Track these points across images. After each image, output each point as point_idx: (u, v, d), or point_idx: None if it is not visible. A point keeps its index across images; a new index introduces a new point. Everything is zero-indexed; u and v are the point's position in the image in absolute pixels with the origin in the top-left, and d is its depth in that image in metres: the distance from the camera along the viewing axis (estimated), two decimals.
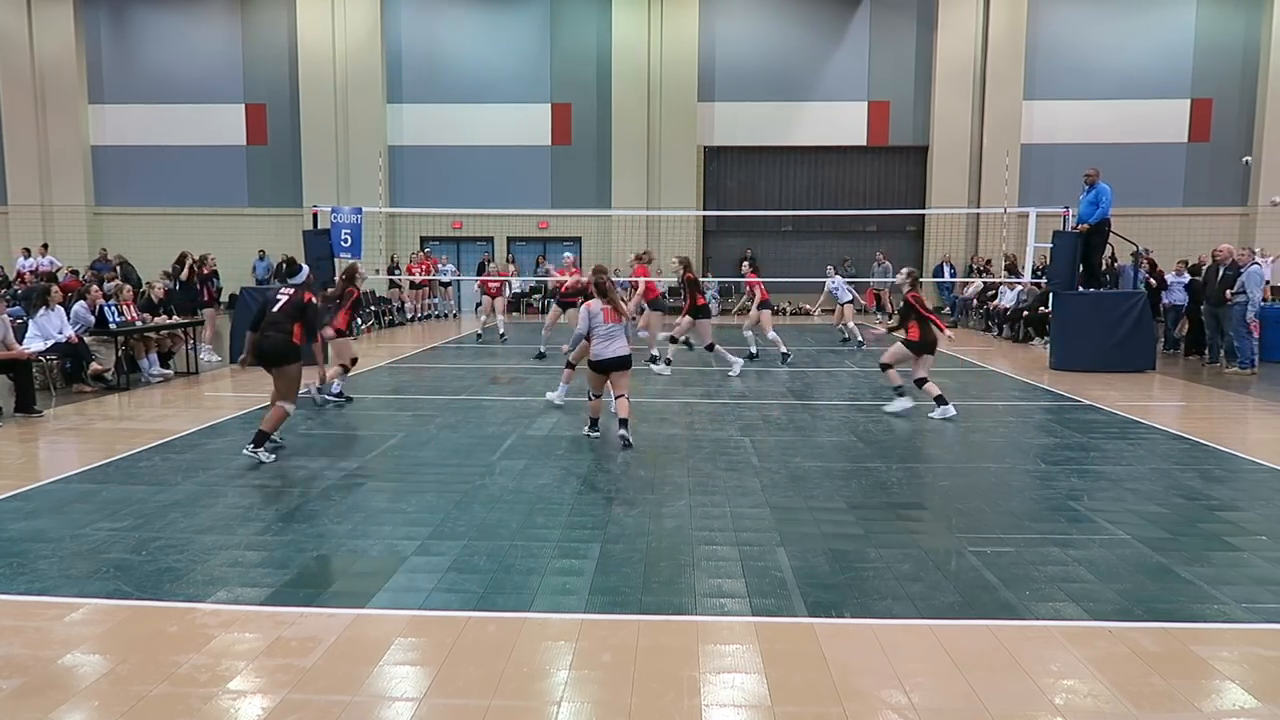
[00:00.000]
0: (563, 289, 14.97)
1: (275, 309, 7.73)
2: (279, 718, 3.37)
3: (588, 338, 8.31)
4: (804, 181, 26.51)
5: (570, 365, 10.06)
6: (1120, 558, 5.15)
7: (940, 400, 9.46)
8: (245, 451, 7.47)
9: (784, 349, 14.18)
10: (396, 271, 22.65)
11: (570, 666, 3.79)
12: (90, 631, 4.14)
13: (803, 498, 6.41)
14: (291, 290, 7.91)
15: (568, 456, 7.70)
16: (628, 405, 8.25)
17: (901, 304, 9.79)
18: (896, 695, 3.54)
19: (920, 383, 9.61)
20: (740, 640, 4.05)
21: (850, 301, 17.37)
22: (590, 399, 8.55)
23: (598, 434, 8.49)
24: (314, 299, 7.97)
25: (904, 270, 10.03)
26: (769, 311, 14.51)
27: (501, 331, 17.64)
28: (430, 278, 22.68)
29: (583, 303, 9.23)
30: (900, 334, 9.85)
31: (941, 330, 9.70)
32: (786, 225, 25.88)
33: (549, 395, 10.33)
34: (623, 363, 8.22)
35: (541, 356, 14.40)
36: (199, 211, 26.61)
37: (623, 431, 8.09)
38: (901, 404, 9.75)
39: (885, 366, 9.90)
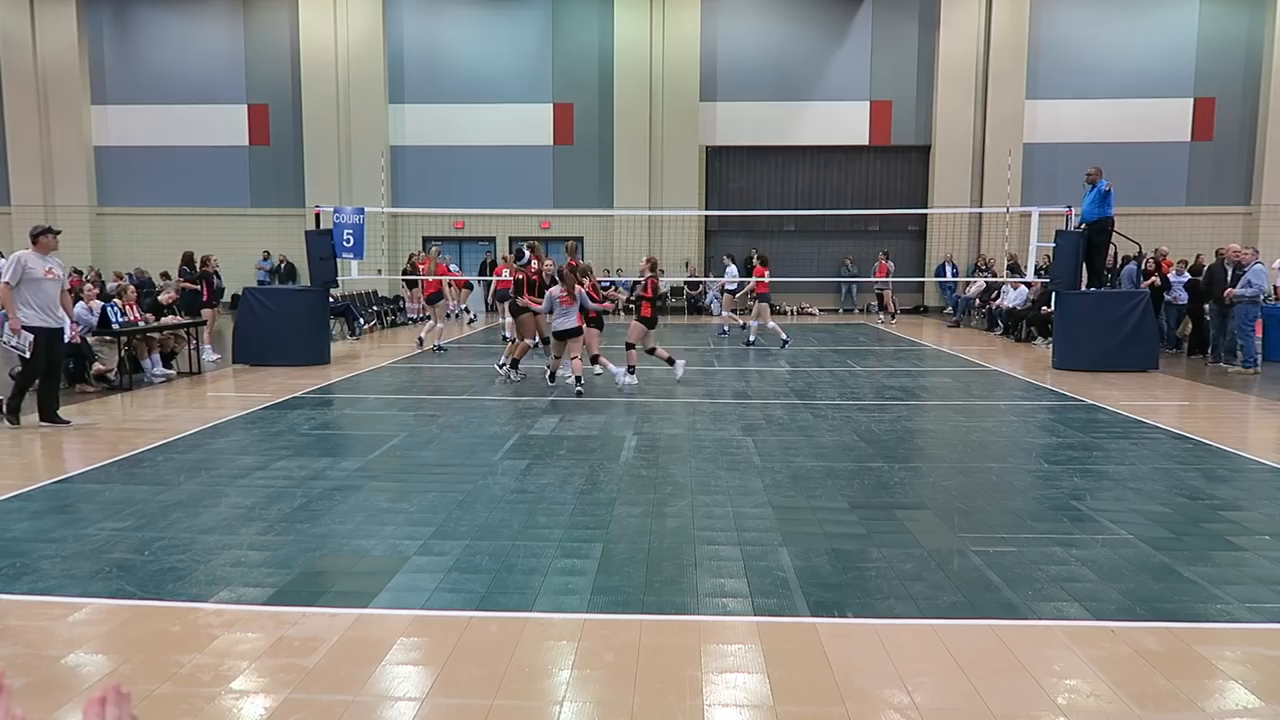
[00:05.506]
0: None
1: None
2: (281, 717, 3.38)
3: (550, 312, 11.12)
4: (806, 181, 26.48)
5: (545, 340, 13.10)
6: (1123, 557, 5.14)
7: (631, 370, 11.43)
8: (508, 372, 12.00)
9: (784, 336, 16.34)
10: (406, 271, 22.55)
11: (572, 666, 3.79)
12: (93, 631, 4.15)
13: (805, 497, 6.40)
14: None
15: (570, 456, 7.70)
16: (580, 365, 10.96)
17: (637, 292, 12.32)
18: (899, 695, 3.54)
19: (651, 351, 11.97)
20: (742, 640, 4.05)
21: (734, 292, 19.09)
22: (551, 359, 11.59)
23: (554, 383, 11.37)
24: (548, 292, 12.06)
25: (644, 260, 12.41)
26: (767, 305, 16.93)
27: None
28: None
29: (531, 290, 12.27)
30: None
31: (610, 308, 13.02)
32: (789, 225, 25.86)
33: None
34: (573, 332, 11.04)
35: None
36: (201, 212, 26.63)
37: (579, 388, 10.73)
38: (628, 379, 11.36)
39: (629, 345, 11.76)
